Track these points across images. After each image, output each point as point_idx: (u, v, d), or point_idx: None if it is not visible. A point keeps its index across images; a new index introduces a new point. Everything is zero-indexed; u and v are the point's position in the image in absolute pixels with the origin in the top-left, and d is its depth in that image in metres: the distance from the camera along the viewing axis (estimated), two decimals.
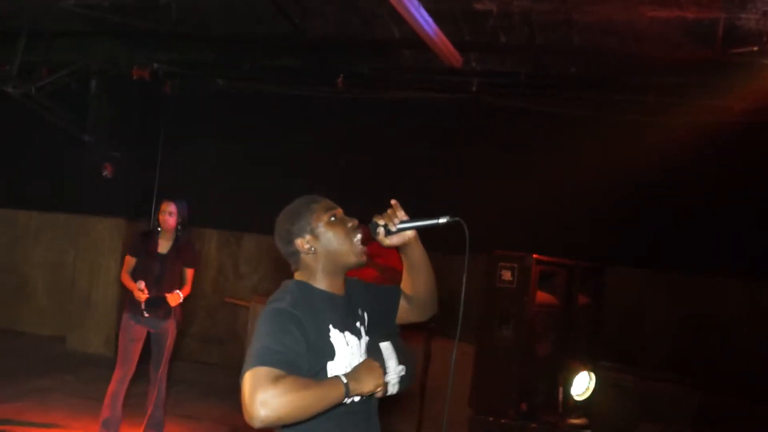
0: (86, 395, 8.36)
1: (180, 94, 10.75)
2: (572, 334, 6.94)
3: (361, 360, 2.85)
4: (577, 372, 6.76)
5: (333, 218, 2.90)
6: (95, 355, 10.70)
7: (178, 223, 7.06)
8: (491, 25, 8.01)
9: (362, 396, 2.76)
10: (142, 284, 6.82)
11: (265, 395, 2.45)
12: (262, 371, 2.49)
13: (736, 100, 8.41)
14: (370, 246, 3.02)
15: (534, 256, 6.23)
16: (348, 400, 2.69)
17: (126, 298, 7.12)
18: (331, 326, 2.82)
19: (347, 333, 2.87)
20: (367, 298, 3.08)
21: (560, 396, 6.65)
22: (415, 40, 7.62)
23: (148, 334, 7.04)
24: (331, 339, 2.79)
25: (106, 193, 10.79)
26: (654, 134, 8.64)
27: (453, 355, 3.09)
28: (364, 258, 2.96)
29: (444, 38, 7.67)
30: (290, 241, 2.91)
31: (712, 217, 8.86)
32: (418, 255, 3.06)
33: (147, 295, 6.82)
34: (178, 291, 6.97)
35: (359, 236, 2.94)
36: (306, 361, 2.64)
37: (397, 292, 3.16)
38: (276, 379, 2.47)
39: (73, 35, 10.09)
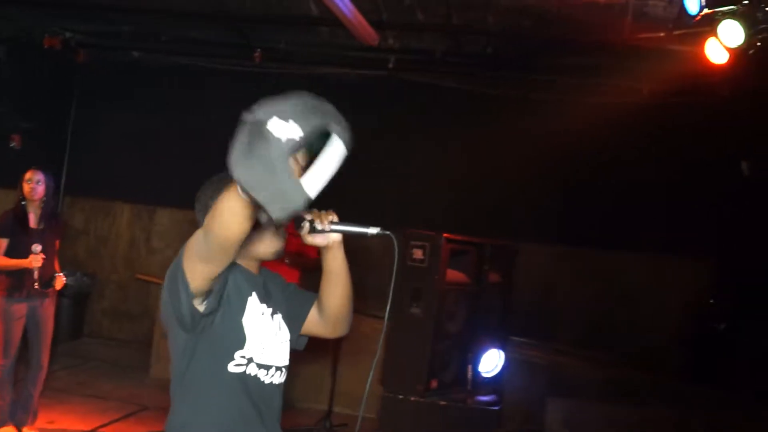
0: None
1: (94, 64, 10.51)
2: (483, 312, 7.05)
3: (282, 342, 2.90)
4: (486, 349, 6.88)
5: None
6: None
7: (45, 194, 6.63)
8: (408, 4, 8.02)
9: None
10: (38, 248, 6.38)
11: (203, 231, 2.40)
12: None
13: (645, 83, 8.65)
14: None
15: (444, 234, 6.32)
16: (235, 368, 2.73)
17: (1, 282, 6.54)
18: (254, 293, 2.83)
19: (264, 306, 2.87)
20: (281, 297, 3.04)
21: (469, 373, 6.76)
22: (332, 17, 7.61)
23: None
24: (248, 302, 2.80)
25: (11, 165, 10.50)
26: (565, 114, 8.80)
27: (381, 339, 3.10)
28: (282, 252, 2.93)
29: (359, 16, 7.67)
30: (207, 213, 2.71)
31: (620, 193, 9.10)
32: (339, 262, 2.93)
33: (41, 258, 6.41)
34: (60, 274, 6.72)
35: (282, 229, 2.89)
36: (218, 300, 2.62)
37: (311, 300, 3.08)
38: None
39: None
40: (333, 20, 7.74)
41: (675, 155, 8.91)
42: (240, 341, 2.76)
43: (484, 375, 6.90)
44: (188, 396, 2.73)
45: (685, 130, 8.73)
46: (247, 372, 2.77)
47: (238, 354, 2.75)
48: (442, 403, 6.40)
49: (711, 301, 8.80)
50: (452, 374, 6.75)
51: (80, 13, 9.58)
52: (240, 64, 9.84)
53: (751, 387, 7.73)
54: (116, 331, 10.92)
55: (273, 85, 9.80)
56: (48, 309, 6.68)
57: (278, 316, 2.95)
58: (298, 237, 2.85)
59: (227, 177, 2.67)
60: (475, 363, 6.79)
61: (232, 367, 2.74)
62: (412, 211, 9.24)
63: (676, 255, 9.24)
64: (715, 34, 6.11)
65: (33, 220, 6.65)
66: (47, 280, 6.60)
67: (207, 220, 2.35)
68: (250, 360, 2.78)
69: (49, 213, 6.77)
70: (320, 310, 3.05)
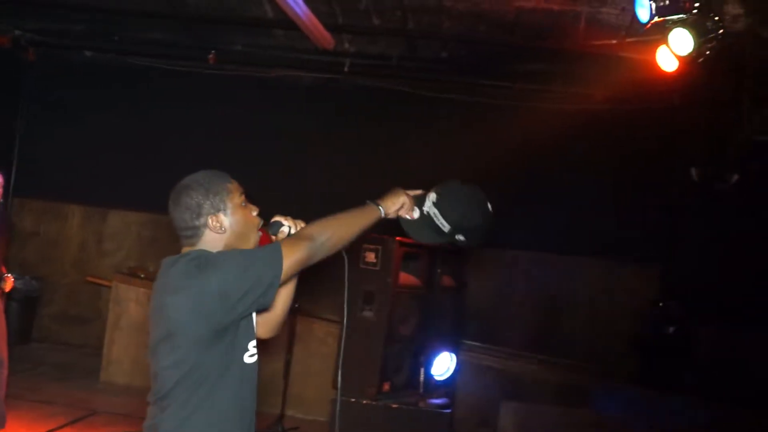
0: None
1: (45, 64, 10.38)
2: (435, 315, 7.06)
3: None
4: (438, 352, 6.89)
5: (244, 203, 2.89)
6: None
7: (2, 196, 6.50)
8: (364, 8, 8.04)
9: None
10: None
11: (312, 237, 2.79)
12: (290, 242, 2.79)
13: (598, 89, 8.74)
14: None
15: (397, 238, 6.31)
16: (249, 359, 2.79)
17: None
18: None
19: None
20: None
21: (422, 376, 6.77)
22: (288, 20, 7.61)
23: None
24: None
25: None
26: (519, 119, 8.89)
27: (341, 344, 3.10)
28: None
29: (315, 20, 7.69)
30: (200, 215, 2.81)
31: (572, 198, 9.17)
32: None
33: None
34: (9, 275, 6.55)
35: (260, 223, 2.95)
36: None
37: None
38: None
39: None
40: (289, 23, 7.73)
41: (626, 161, 9.05)
42: (252, 332, 2.86)
43: (437, 378, 6.91)
44: (199, 392, 2.70)
45: (637, 136, 8.89)
46: (246, 361, 2.82)
47: (251, 344, 2.83)
48: (394, 405, 6.40)
49: (660, 304, 8.89)
50: (404, 377, 6.75)
51: (31, 10, 9.45)
52: (194, 65, 9.79)
53: (702, 391, 7.83)
54: (66, 335, 10.75)
55: (228, 86, 9.79)
56: None
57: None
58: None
59: (216, 182, 2.84)
60: (428, 366, 6.80)
61: (246, 358, 2.80)
62: None
63: (627, 260, 9.37)
64: (666, 42, 6.20)
65: None
66: None
67: (330, 228, 2.87)
68: (255, 348, 2.85)
69: (3, 214, 6.71)
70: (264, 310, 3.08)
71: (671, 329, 8.70)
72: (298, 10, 7.10)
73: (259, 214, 2.96)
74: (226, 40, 9.52)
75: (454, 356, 7.03)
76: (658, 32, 6.21)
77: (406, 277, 6.68)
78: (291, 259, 2.70)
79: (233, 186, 2.88)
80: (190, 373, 2.68)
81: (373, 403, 6.33)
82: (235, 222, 2.84)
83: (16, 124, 10.65)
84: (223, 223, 2.82)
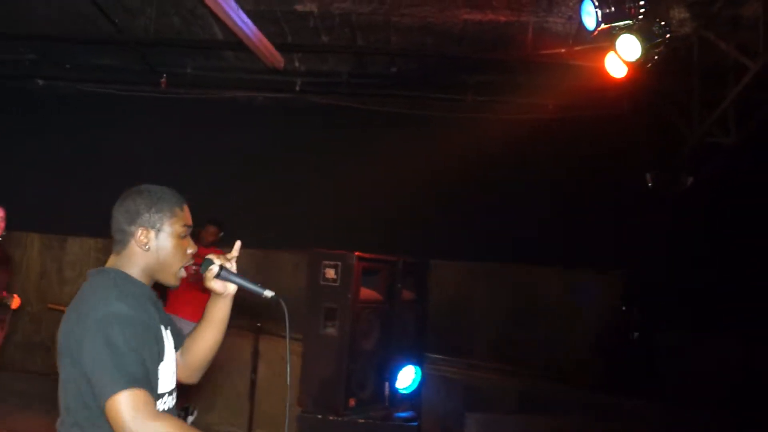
0: None
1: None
2: (397, 329, 7.06)
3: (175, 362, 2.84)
4: (402, 366, 6.91)
5: (183, 235, 2.81)
6: None
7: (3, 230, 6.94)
8: (313, 26, 8.07)
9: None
10: None
11: (151, 416, 2.45)
12: (140, 396, 2.45)
13: (549, 98, 8.83)
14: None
15: (356, 253, 6.33)
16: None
17: None
18: (162, 326, 2.77)
19: (168, 331, 2.84)
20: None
21: (387, 390, 6.78)
22: (237, 41, 7.62)
23: None
24: (165, 340, 2.76)
25: None
26: (473, 131, 8.95)
27: (288, 359, 3.07)
28: (179, 285, 2.89)
29: (264, 40, 7.70)
30: (132, 223, 2.73)
31: (529, 208, 9.24)
32: (225, 313, 3.00)
33: None
34: (15, 294, 6.79)
35: (189, 263, 2.86)
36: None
37: (182, 339, 3.05)
38: (155, 413, 2.47)
39: None
40: (239, 44, 7.74)
41: (581, 169, 9.13)
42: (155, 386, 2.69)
43: (401, 392, 6.92)
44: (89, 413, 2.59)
45: (590, 143, 8.95)
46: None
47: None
48: (361, 420, 6.40)
49: (623, 308, 8.98)
50: (369, 392, 6.74)
51: None
52: (145, 89, 9.76)
53: (666, 396, 7.91)
54: (30, 363, 10.65)
55: (180, 109, 9.78)
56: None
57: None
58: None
59: (167, 200, 2.78)
60: (392, 380, 6.81)
61: None
62: (321, 231, 9.27)
63: (586, 267, 9.44)
64: (614, 49, 6.29)
65: None
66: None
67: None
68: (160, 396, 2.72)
69: (3, 248, 7.15)
70: (184, 353, 3.02)
71: (635, 334, 8.79)
72: (247, 30, 7.11)
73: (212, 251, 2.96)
74: (176, 63, 9.50)
75: (418, 369, 7.05)
76: (606, 39, 6.31)
77: (366, 292, 6.69)
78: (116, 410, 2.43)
79: (181, 213, 2.81)
80: (80, 393, 2.60)
81: (340, 419, 6.32)
82: (162, 248, 2.76)
83: None
84: (150, 241, 2.74)
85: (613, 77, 6.68)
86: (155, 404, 2.52)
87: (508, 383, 8.42)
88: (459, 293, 9.72)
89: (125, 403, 2.42)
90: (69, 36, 8.81)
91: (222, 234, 8.50)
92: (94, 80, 10.01)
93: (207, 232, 8.41)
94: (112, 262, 2.78)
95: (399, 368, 6.88)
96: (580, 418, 7.69)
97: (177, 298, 7.71)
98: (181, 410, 7.97)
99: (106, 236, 2.85)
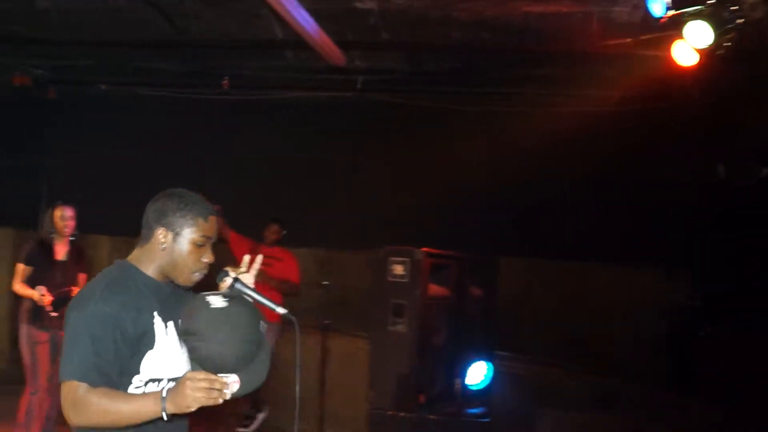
0: None
1: (63, 99, 10.44)
2: (466, 325, 7.04)
3: (180, 353, 2.94)
4: (472, 362, 6.86)
5: (201, 244, 2.97)
6: None
7: (75, 228, 7.14)
8: (373, 23, 8.02)
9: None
10: (43, 289, 6.74)
11: (82, 406, 2.68)
12: (82, 387, 2.69)
13: (615, 90, 8.65)
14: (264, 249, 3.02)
15: (424, 249, 6.30)
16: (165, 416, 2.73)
17: (24, 308, 6.99)
18: (155, 313, 2.90)
19: (170, 323, 2.95)
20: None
21: (457, 386, 6.74)
22: (298, 40, 7.60)
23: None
24: (155, 326, 2.89)
25: None
26: (535, 125, 8.82)
27: (297, 361, 3.08)
28: (190, 285, 3.04)
29: (326, 37, 7.67)
30: (158, 222, 2.97)
31: (593, 202, 9.08)
32: None
33: (51, 298, 6.75)
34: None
35: (203, 272, 3.01)
36: (118, 366, 2.77)
37: None
38: (93, 392, 2.69)
39: None
40: (299, 43, 7.72)
41: (647, 162, 8.94)
42: (136, 368, 2.89)
43: (472, 388, 6.88)
44: None
45: (657, 135, 8.76)
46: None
47: (136, 378, 2.87)
48: (432, 417, 6.36)
49: (695, 303, 8.81)
50: (439, 388, 6.73)
51: (46, 49, 9.50)
52: (205, 92, 9.82)
53: (730, 395, 7.75)
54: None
55: (242, 111, 9.81)
56: None
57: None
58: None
59: (194, 208, 2.97)
60: (462, 376, 6.77)
61: (131, 390, 2.86)
62: (387, 228, 9.22)
63: (653, 265, 9.26)
64: (682, 36, 6.11)
65: (60, 252, 7.14)
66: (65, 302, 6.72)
67: (96, 415, 2.71)
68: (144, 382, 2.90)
69: (77, 246, 7.29)
70: None
71: (703, 332, 8.62)
72: (309, 28, 7.10)
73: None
74: (237, 64, 9.52)
75: (488, 365, 6.99)
76: (674, 26, 6.13)
77: (434, 288, 6.66)
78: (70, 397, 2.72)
79: (203, 224, 2.98)
80: None
81: (411, 415, 6.29)
82: (177, 250, 2.95)
83: (42, 161, 10.71)
84: (168, 241, 2.95)
85: (682, 66, 6.48)
86: (106, 392, 2.71)
87: (578, 380, 8.32)
88: (518, 290, 9.59)
89: (66, 392, 2.72)
90: (129, 40, 8.86)
91: (284, 233, 8.57)
92: (154, 84, 10.11)
93: (269, 231, 8.54)
94: (134, 254, 3.04)
95: (469, 364, 6.84)
96: (649, 417, 7.60)
97: None
98: (251, 408, 8.01)
99: None
